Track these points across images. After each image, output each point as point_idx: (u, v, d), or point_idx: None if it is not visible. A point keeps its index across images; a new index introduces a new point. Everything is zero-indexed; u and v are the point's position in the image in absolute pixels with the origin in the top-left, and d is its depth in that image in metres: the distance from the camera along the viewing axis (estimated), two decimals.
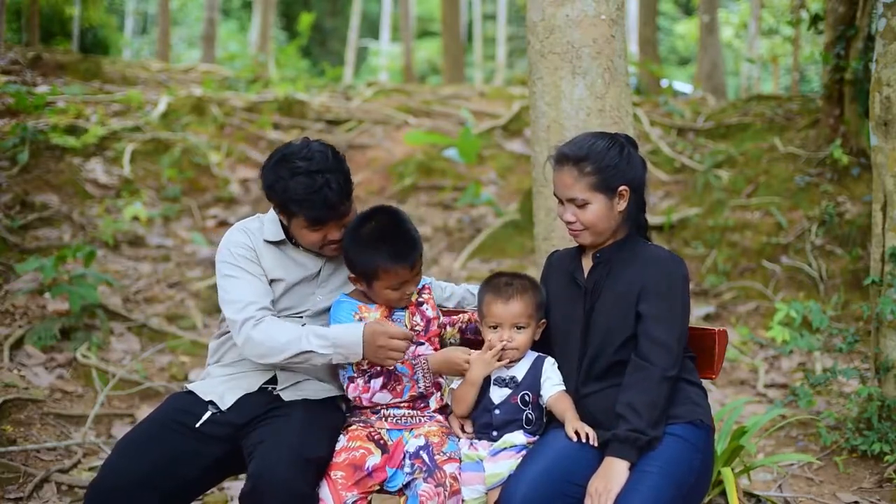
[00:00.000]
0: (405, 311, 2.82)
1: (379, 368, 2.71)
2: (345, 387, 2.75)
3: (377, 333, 2.63)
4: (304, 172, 2.69)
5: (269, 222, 2.90)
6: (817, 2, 9.57)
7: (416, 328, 2.81)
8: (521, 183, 9.33)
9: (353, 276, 2.78)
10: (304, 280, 2.87)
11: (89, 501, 2.61)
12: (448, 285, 3.10)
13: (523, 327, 2.70)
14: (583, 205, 2.63)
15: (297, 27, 14.59)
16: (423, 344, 2.81)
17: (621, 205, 2.67)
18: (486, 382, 2.72)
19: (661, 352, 2.55)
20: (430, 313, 2.86)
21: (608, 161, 2.63)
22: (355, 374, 2.73)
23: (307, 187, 2.68)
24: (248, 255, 2.82)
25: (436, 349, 2.84)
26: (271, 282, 2.85)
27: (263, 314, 2.72)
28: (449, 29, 17.35)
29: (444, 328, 2.93)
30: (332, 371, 2.87)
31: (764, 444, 4.57)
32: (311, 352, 2.65)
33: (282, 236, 2.86)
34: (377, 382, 2.71)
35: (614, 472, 2.46)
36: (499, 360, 2.69)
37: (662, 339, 2.56)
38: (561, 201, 2.70)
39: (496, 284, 2.73)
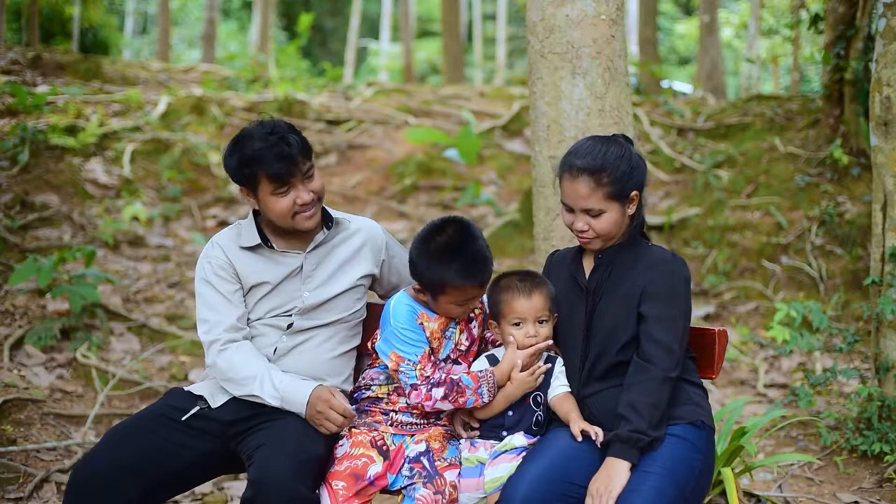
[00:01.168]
0: (457, 327, 2.76)
1: (441, 377, 2.66)
2: (406, 392, 2.69)
3: (321, 400, 2.69)
4: (258, 137, 2.72)
5: (246, 227, 2.89)
6: (817, 2, 9.56)
7: (460, 347, 2.77)
8: (521, 183, 9.32)
9: (417, 287, 2.71)
10: (288, 278, 2.86)
11: (70, 484, 2.64)
12: None
13: (545, 320, 2.70)
14: (598, 214, 2.62)
15: (297, 27, 14.56)
16: (460, 364, 2.77)
17: (632, 209, 2.67)
18: None
19: (662, 353, 2.55)
20: (476, 331, 2.81)
21: (623, 169, 2.61)
22: (418, 382, 2.65)
23: (262, 146, 2.70)
24: (221, 270, 2.84)
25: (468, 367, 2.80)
26: (253, 287, 2.84)
27: (230, 337, 2.81)
28: (449, 29, 17.34)
29: (493, 345, 2.88)
30: (331, 370, 2.87)
31: (764, 444, 4.57)
32: (261, 397, 2.74)
33: (257, 240, 2.85)
34: (438, 392, 2.64)
35: (616, 473, 2.47)
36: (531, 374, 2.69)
37: (664, 340, 2.56)
38: (570, 209, 2.67)
39: (510, 283, 2.71)
